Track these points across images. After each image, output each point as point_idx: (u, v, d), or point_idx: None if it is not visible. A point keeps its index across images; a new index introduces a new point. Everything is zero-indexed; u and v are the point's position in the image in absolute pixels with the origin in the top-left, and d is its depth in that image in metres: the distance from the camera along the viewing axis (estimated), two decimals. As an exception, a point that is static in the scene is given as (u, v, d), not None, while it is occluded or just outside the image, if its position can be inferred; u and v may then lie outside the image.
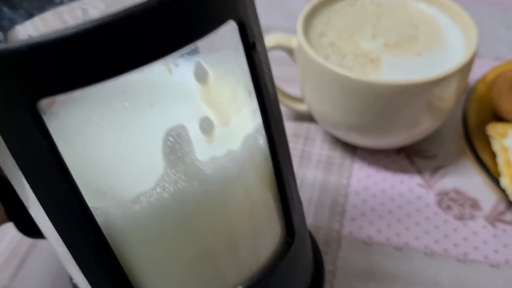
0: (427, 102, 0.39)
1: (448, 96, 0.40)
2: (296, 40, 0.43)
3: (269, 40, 0.44)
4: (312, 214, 0.41)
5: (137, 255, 0.21)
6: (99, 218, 0.19)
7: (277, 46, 0.44)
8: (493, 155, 0.42)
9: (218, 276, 0.24)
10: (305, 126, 0.49)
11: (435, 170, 0.44)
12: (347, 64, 0.40)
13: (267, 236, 0.25)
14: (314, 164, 0.45)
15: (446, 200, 0.42)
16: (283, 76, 0.53)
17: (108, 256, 0.20)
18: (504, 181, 0.39)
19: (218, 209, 0.22)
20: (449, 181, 0.43)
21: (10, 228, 0.32)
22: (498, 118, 0.46)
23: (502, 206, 0.41)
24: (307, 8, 0.44)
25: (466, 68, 0.39)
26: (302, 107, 0.47)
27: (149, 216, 0.20)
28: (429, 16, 0.44)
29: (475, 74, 0.53)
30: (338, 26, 0.44)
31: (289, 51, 0.44)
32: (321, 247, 0.39)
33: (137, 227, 0.20)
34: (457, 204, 0.41)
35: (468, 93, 0.48)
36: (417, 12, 0.45)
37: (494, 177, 0.40)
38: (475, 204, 0.41)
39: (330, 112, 0.42)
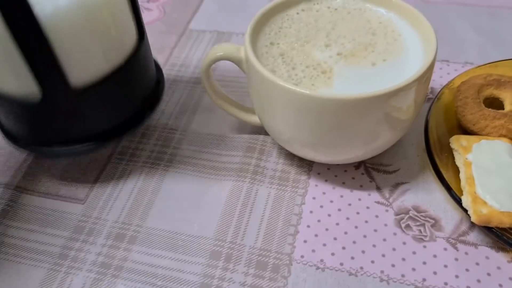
0: (384, 114, 0.36)
1: (407, 107, 0.37)
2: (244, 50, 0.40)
3: (216, 50, 0.41)
4: (262, 236, 0.38)
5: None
6: None
7: (223, 57, 0.40)
8: (458, 170, 0.40)
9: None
10: (261, 138, 0.46)
11: (396, 186, 0.41)
12: (296, 76, 0.37)
13: (126, 34, 0.39)
14: (268, 180, 0.42)
15: (406, 220, 0.39)
16: (236, 85, 0.50)
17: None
18: (466, 201, 0.36)
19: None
20: (410, 198, 0.40)
21: None
22: (464, 129, 0.43)
23: (465, 226, 0.38)
24: (257, 14, 0.41)
25: (423, 78, 0.36)
26: (254, 119, 0.44)
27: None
28: (387, 21, 0.42)
29: (443, 79, 0.51)
30: (290, 34, 0.41)
31: (238, 62, 0.40)
32: (270, 273, 0.36)
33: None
34: (418, 224, 0.39)
35: (432, 101, 0.45)
36: (375, 18, 0.42)
37: (455, 196, 0.37)
38: (436, 224, 0.39)
39: (280, 127, 0.39)
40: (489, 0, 0.61)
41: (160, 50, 0.57)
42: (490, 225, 0.35)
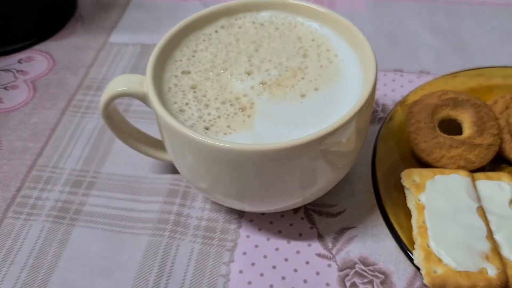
0: (318, 157, 0.30)
1: (347, 142, 0.31)
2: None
3: (116, 85, 0.33)
4: (181, 308, 0.32)
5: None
6: None
7: (125, 93, 0.33)
8: (410, 212, 0.34)
9: None
10: (185, 179, 0.39)
11: (341, 232, 0.35)
12: (209, 116, 0.30)
13: None
14: (192, 232, 0.36)
15: (351, 276, 0.33)
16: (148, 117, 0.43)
17: None
18: (417, 257, 0.30)
19: None
20: (356, 248, 0.34)
21: None
22: (418, 158, 0.37)
23: (420, 283, 0.32)
24: (165, 36, 0.34)
25: (361, 112, 0.29)
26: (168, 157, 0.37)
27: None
28: (321, 38, 0.35)
29: (396, 94, 0.44)
30: (206, 59, 0.34)
31: (143, 99, 0.33)
32: None
33: None
34: (365, 281, 0.33)
35: (382, 123, 0.39)
36: (307, 34, 0.35)
37: (406, 250, 0.32)
38: (386, 280, 0.33)
39: (194, 177, 0.33)
40: (447, -5, 0.55)
41: (74, 71, 0.49)
42: (446, 289, 0.29)
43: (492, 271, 0.29)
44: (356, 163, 0.39)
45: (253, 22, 0.37)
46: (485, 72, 0.44)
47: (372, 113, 0.43)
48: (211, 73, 0.33)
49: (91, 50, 0.51)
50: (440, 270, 0.29)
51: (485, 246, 0.30)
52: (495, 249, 0.30)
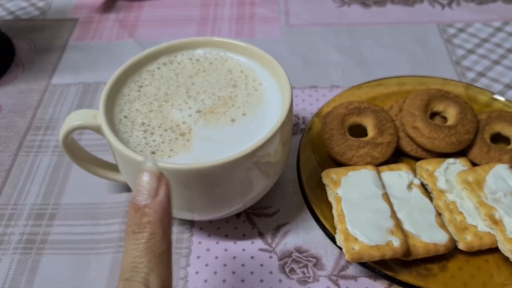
0: (251, 168, 0.36)
1: (274, 154, 0.37)
2: (101, 117, 0.37)
3: (72, 119, 0.38)
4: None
5: None
6: None
7: (82, 126, 0.38)
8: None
9: None
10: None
11: (277, 228, 0.42)
12: (154, 142, 0.36)
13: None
14: (150, 245, 0.41)
15: (289, 263, 0.40)
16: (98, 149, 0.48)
17: None
18: (339, 240, 0.38)
19: None
20: (291, 240, 0.41)
21: None
22: (334, 159, 0.45)
23: (344, 260, 0.40)
24: (114, 75, 0.39)
25: (282, 127, 0.36)
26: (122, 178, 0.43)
27: None
28: (249, 70, 0.42)
29: (313, 107, 0.52)
30: (150, 93, 0.40)
31: (97, 130, 0.38)
32: None
33: None
34: (301, 266, 0.39)
35: (303, 134, 0.46)
36: (236, 66, 0.42)
37: (330, 235, 0.39)
38: (318, 262, 0.40)
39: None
40: (348, 18, 0.64)
41: (21, 113, 0.53)
42: (362, 261, 0.36)
43: (396, 242, 0.37)
44: (285, 169, 0.46)
45: (190, 59, 0.43)
46: (383, 82, 0.52)
47: (294, 126, 0.50)
48: (154, 105, 0.39)
49: (35, 92, 0.55)
50: (357, 247, 0.37)
51: (390, 223, 0.38)
52: (398, 225, 0.38)
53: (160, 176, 0.27)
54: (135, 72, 0.41)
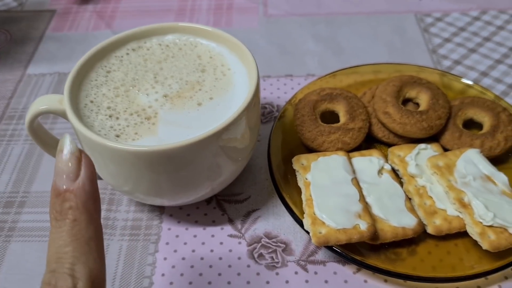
0: (218, 152, 0.36)
1: (240, 138, 0.37)
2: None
3: (38, 104, 0.38)
4: (115, 296, 0.37)
5: None
6: None
7: (47, 110, 0.38)
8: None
9: None
10: (109, 187, 0.44)
11: (247, 214, 0.42)
12: (119, 126, 0.36)
13: None
14: (119, 232, 0.41)
15: (258, 249, 0.39)
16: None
17: None
18: (306, 224, 0.37)
19: None
20: (261, 226, 0.41)
21: None
22: (306, 146, 0.45)
23: (313, 245, 0.39)
24: (81, 60, 0.39)
25: (248, 109, 0.36)
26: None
27: None
28: (218, 55, 0.41)
29: (288, 95, 0.52)
30: (117, 78, 0.39)
31: (63, 115, 0.38)
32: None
33: None
34: (270, 251, 0.39)
35: (275, 120, 0.46)
36: (206, 52, 0.42)
37: (298, 219, 0.38)
38: (287, 248, 0.39)
39: (113, 181, 0.38)
40: (327, 7, 0.64)
41: (-5, 103, 0.53)
42: (329, 245, 0.36)
43: (363, 226, 0.36)
44: (257, 156, 0.46)
45: (160, 44, 0.43)
46: (358, 70, 0.52)
47: (268, 114, 0.50)
48: (121, 89, 0.39)
49: (9, 82, 0.55)
50: (324, 231, 0.36)
51: (358, 207, 0.38)
52: (366, 209, 0.38)
53: (80, 156, 0.25)
54: (103, 58, 0.41)
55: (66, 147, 0.25)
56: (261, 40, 0.59)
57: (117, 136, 0.35)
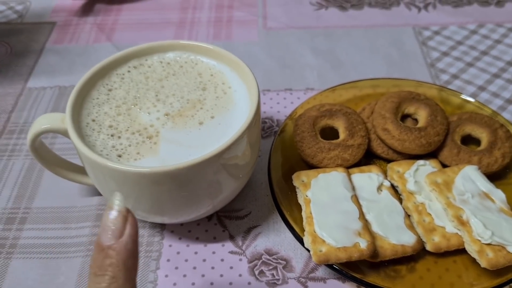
0: (220, 170, 0.36)
1: (242, 156, 0.37)
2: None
3: (40, 123, 0.38)
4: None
5: None
6: None
7: (49, 129, 0.38)
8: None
9: None
10: (111, 203, 0.44)
11: (248, 231, 0.42)
12: (121, 145, 0.36)
13: None
14: (121, 249, 0.41)
15: (259, 265, 0.40)
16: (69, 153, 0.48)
17: None
18: (307, 242, 0.38)
19: None
20: (262, 242, 0.41)
21: None
22: (306, 162, 0.45)
23: (313, 262, 0.40)
24: (83, 78, 0.39)
25: (249, 128, 0.36)
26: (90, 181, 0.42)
27: None
28: (218, 73, 0.42)
29: (288, 110, 0.52)
30: (119, 96, 0.40)
31: (65, 133, 0.38)
32: None
33: None
34: (270, 268, 0.40)
35: (275, 135, 0.46)
36: (206, 70, 0.42)
37: (298, 236, 0.39)
38: (288, 264, 0.40)
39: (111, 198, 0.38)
40: (325, 21, 0.64)
41: (-5, 117, 0.53)
42: (329, 263, 0.37)
43: (363, 244, 0.37)
44: (258, 172, 0.46)
45: (161, 62, 0.43)
46: (357, 84, 0.53)
47: (268, 128, 0.51)
48: (122, 108, 0.39)
49: (10, 96, 0.55)
50: (324, 249, 0.37)
51: (358, 225, 0.38)
52: (366, 226, 0.38)
53: (127, 215, 0.26)
54: (104, 76, 0.41)
55: (116, 206, 0.26)
56: (261, 53, 0.59)
57: (119, 156, 0.36)
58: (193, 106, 0.39)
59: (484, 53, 0.59)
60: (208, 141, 0.36)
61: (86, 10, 0.67)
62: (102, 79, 0.41)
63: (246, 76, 0.40)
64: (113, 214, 0.26)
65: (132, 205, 0.38)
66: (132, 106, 0.39)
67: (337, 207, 0.39)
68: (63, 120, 0.38)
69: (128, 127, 0.37)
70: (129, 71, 0.42)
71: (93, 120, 0.38)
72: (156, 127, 0.38)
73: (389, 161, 0.46)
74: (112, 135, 0.37)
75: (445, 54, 0.59)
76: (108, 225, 0.26)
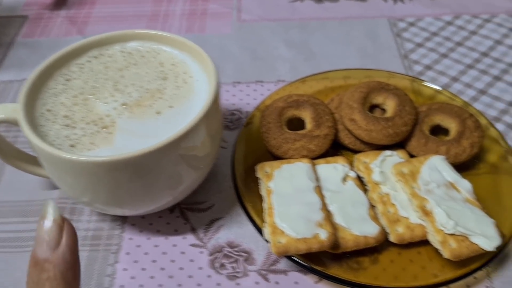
0: (174, 161, 0.35)
1: (201, 147, 0.37)
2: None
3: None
4: (72, 308, 0.36)
5: None
6: None
7: (2, 120, 0.37)
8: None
9: None
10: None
11: (211, 223, 0.41)
12: (75, 135, 0.35)
13: None
14: (80, 242, 0.39)
15: (220, 258, 0.39)
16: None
17: None
18: (266, 233, 0.37)
19: None
20: (224, 235, 0.40)
21: None
22: (271, 153, 0.44)
23: (275, 255, 0.39)
24: (40, 66, 0.38)
25: (205, 120, 0.35)
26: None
27: None
28: (181, 63, 0.41)
29: (258, 102, 0.51)
30: (77, 86, 0.39)
31: (17, 123, 0.37)
32: None
33: None
34: (231, 261, 0.39)
35: (241, 127, 0.46)
36: (169, 60, 0.41)
37: (259, 228, 0.38)
38: (249, 257, 0.39)
39: (70, 192, 0.37)
40: (300, 13, 0.64)
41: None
42: (288, 254, 0.36)
43: (324, 235, 0.36)
44: (223, 164, 0.45)
45: (122, 51, 0.42)
46: (328, 75, 0.52)
47: (236, 120, 0.50)
48: (79, 98, 0.38)
49: (-25, 90, 0.54)
50: (283, 240, 0.36)
51: (319, 216, 0.37)
52: (327, 217, 0.37)
53: (62, 224, 0.24)
54: (63, 66, 0.40)
55: (49, 215, 0.24)
56: (233, 46, 0.58)
57: (72, 146, 0.35)
58: (152, 95, 0.38)
59: (459, 44, 0.58)
60: (165, 131, 0.35)
61: (59, 3, 0.66)
62: (60, 69, 0.40)
63: (207, 65, 0.40)
64: (47, 224, 0.24)
65: (89, 197, 0.37)
66: (89, 96, 0.38)
67: (299, 198, 0.39)
68: (15, 110, 0.37)
69: (84, 117, 0.37)
70: (89, 61, 0.41)
71: (48, 110, 0.37)
72: (113, 117, 0.37)
73: (357, 152, 0.45)
74: (67, 125, 0.36)
75: (420, 45, 0.58)
76: (42, 236, 0.24)
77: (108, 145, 0.35)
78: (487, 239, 0.36)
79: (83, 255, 0.39)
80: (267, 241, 0.37)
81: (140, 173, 0.34)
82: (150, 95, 0.38)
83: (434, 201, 0.38)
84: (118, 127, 0.36)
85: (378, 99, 0.46)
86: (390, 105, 0.45)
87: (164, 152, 0.33)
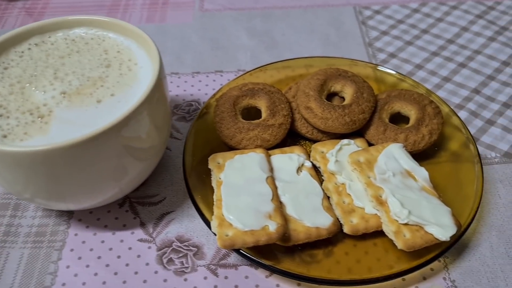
0: (117, 152, 0.34)
1: (145, 137, 0.35)
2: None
3: None
4: (9, 309, 0.34)
5: None
6: None
7: None
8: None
9: None
10: (17, 191, 0.41)
11: (161, 218, 0.39)
12: (8, 125, 0.33)
13: None
14: (22, 239, 0.38)
15: (168, 253, 0.37)
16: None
17: None
18: (213, 226, 0.35)
19: None
20: (174, 229, 0.39)
21: None
22: (225, 144, 0.43)
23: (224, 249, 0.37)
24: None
25: (146, 108, 0.33)
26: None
27: None
28: (125, 49, 0.39)
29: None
30: (14, 74, 0.37)
31: None
32: None
33: None
34: (180, 256, 0.37)
35: (194, 118, 0.44)
36: (114, 46, 0.39)
37: (208, 221, 0.36)
38: (199, 251, 0.37)
39: (6, 186, 0.35)
40: (264, 2, 0.62)
41: None
42: (235, 248, 0.34)
43: (272, 227, 0.34)
44: (177, 156, 0.43)
45: (65, 39, 0.40)
46: (289, 64, 0.50)
47: (194, 111, 0.48)
48: (16, 87, 0.36)
49: None
50: (230, 233, 0.34)
51: (270, 207, 0.36)
52: (278, 209, 0.36)
53: None
54: (1, 53, 0.38)
55: None
56: (194, 36, 0.57)
57: (4, 136, 0.33)
58: (93, 84, 0.36)
59: (425, 31, 0.57)
60: (105, 120, 0.33)
61: (17, -6, 0.64)
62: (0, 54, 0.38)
63: (152, 53, 0.38)
64: None
65: (30, 192, 0.35)
66: (27, 85, 0.36)
67: (250, 189, 0.37)
68: None
69: (19, 107, 0.35)
70: (29, 49, 0.39)
71: (-16, 100, 0.35)
72: (50, 106, 0.35)
73: (315, 141, 0.44)
74: (0, 115, 0.34)
75: (385, 33, 0.57)
76: None
77: (43, 135, 0.33)
78: (442, 228, 0.35)
79: (24, 252, 0.37)
80: (215, 234, 0.35)
81: (79, 164, 0.32)
82: (91, 83, 0.36)
83: (389, 190, 0.37)
84: (55, 116, 0.34)
85: (336, 87, 0.44)
86: (348, 92, 0.44)
87: (101, 141, 0.32)
